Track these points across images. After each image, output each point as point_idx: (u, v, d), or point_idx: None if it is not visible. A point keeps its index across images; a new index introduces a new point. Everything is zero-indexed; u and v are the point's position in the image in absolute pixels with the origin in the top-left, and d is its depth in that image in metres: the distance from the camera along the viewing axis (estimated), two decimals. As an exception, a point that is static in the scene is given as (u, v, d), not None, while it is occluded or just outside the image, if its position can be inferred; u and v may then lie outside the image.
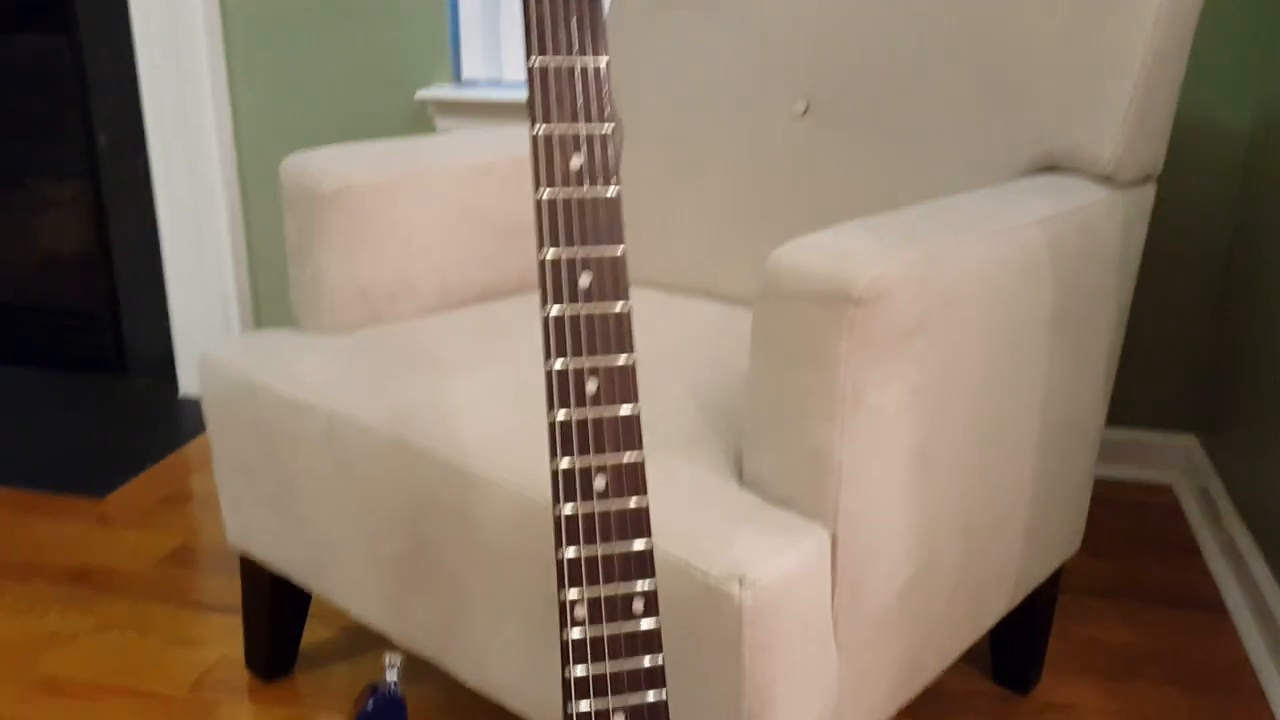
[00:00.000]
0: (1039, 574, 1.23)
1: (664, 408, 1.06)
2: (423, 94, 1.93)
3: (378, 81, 2.01)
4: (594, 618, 0.60)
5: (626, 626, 0.61)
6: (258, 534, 1.27)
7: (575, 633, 0.60)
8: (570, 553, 0.61)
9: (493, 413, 1.06)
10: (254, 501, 1.25)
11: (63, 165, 2.27)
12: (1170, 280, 1.81)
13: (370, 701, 0.59)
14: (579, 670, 0.60)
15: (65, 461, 2.00)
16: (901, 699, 1.05)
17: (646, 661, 0.61)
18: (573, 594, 0.60)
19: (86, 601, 1.58)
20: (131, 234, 2.25)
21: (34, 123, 2.26)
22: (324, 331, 1.31)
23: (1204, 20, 1.67)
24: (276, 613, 1.37)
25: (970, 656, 1.42)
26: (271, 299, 2.22)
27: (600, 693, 0.61)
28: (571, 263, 0.62)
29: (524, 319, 1.32)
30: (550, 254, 0.62)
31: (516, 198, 1.42)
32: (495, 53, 1.96)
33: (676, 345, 1.23)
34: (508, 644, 1.02)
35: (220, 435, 1.27)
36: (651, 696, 0.62)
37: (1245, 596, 1.50)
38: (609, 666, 0.61)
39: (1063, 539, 1.26)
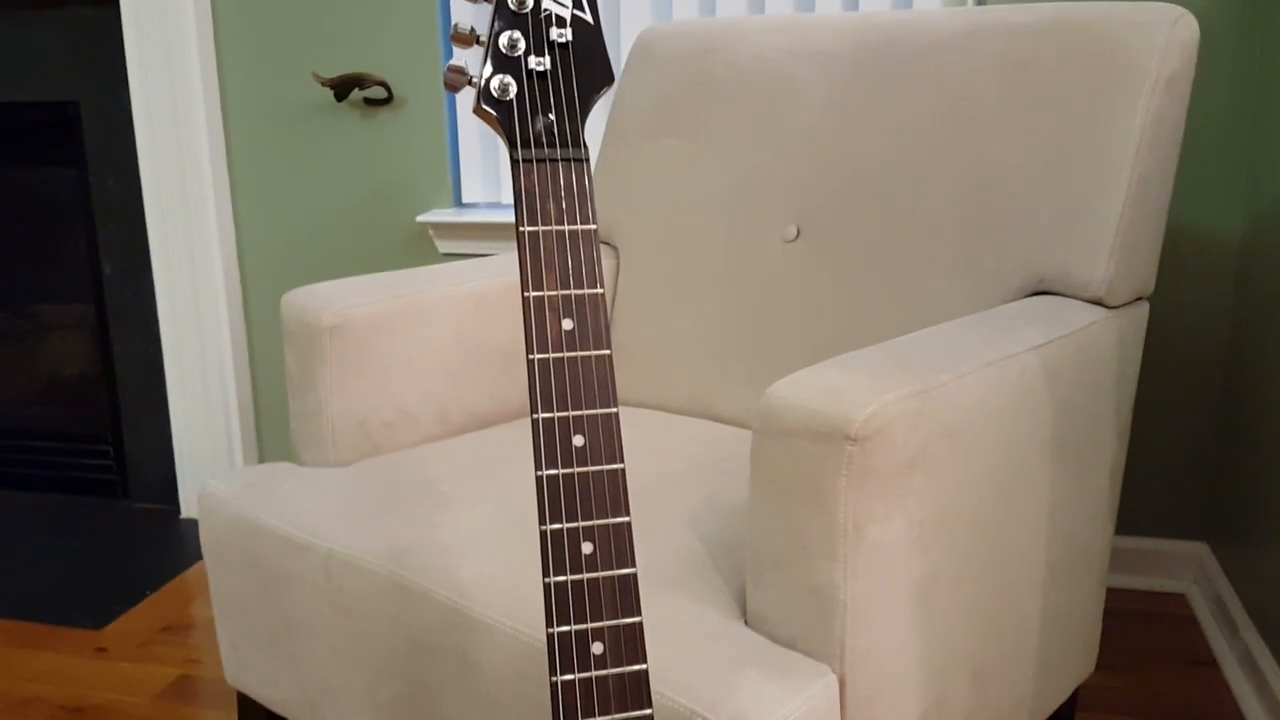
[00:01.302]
0: (1053, 700, 1.21)
1: (664, 538, 1.05)
2: (424, 217, 1.96)
3: (379, 206, 2.04)
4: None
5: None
6: (254, 672, 1.25)
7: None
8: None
9: (491, 550, 1.05)
10: (251, 639, 1.24)
11: (67, 291, 2.30)
12: (1173, 387, 1.81)
13: None
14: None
15: (64, 591, 1.98)
16: (917, 840, 1.02)
17: (648, 835, 0.60)
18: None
19: (82, 741, 1.55)
20: (135, 358, 2.26)
21: (40, 251, 2.30)
22: (323, 464, 1.30)
23: (1190, 131, 1.70)
24: (275, 753, 1.34)
25: (987, 783, 1.38)
26: (274, 422, 2.22)
27: None
28: (565, 423, 0.62)
29: (523, 446, 1.32)
30: (543, 416, 0.62)
31: (514, 325, 1.43)
32: (494, 176, 2.00)
33: (676, 470, 1.23)
34: (510, 792, 0.99)
35: (218, 571, 1.25)
36: None
37: (1265, 710, 1.47)
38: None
39: (1076, 662, 1.24)
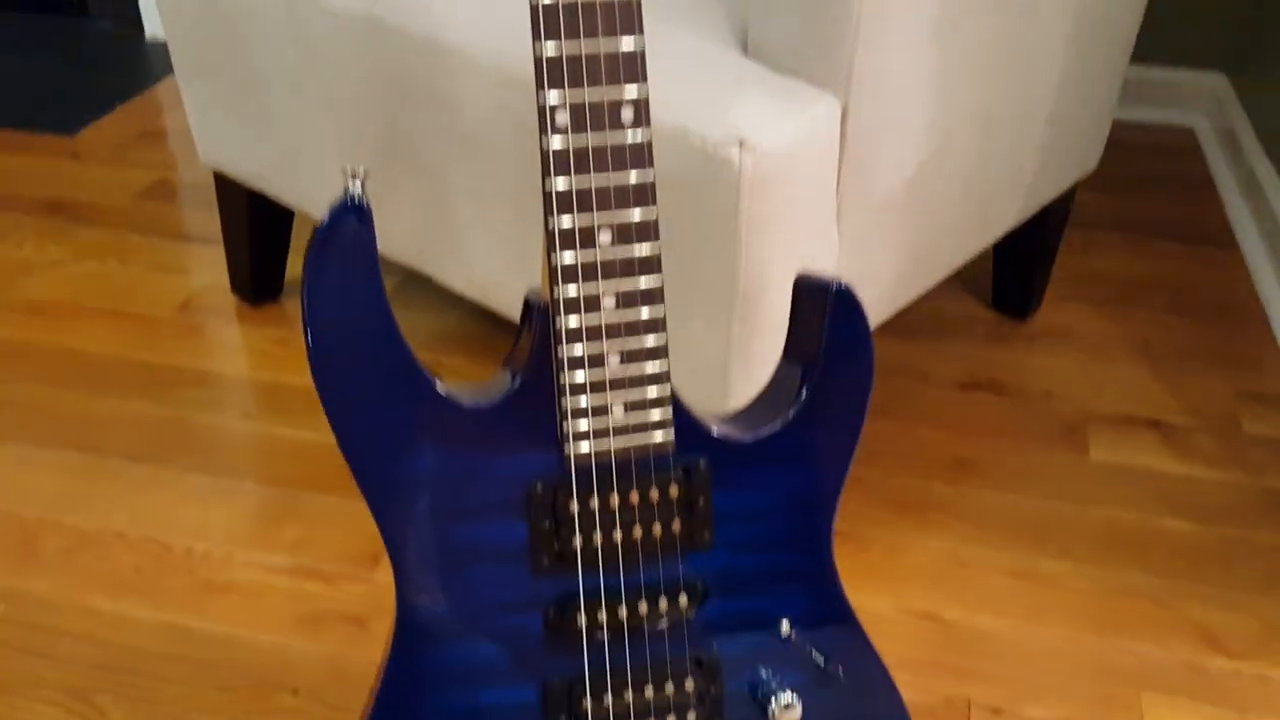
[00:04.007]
0: (1053, 188, 1.17)
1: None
2: None
3: None
4: (578, 125, 0.54)
5: (614, 137, 0.55)
6: (227, 144, 1.20)
7: (556, 141, 0.54)
8: (550, 50, 0.53)
9: (470, -13, 0.95)
10: (220, 106, 1.17)
11: None
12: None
13: (327, 213, 0.53)
14: (560, 183, 0.54)
15: (32, 101, 1.90)
16: (901, 300, 1.02)
17: (634, 177, 0.56)
18: (553, 98, 0.54)
19: (63, 232, 1.53)
20: None
21: None
22: (283, -82, 1.17)
23: None
24: (257, 233, 1.32)
25: (972, 285, 1.39)
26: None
27: (584, 208, 0.55)
28: None
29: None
30: None
31: None
32: None
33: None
34: (494, 238, 0.97)
35: (176, 28, 1.16)
36: (639, 215, 0.57)
37: (1260, 229, 1.46)
38: (594, 180, 0.55)
39: (1081, 153, 1.19)
